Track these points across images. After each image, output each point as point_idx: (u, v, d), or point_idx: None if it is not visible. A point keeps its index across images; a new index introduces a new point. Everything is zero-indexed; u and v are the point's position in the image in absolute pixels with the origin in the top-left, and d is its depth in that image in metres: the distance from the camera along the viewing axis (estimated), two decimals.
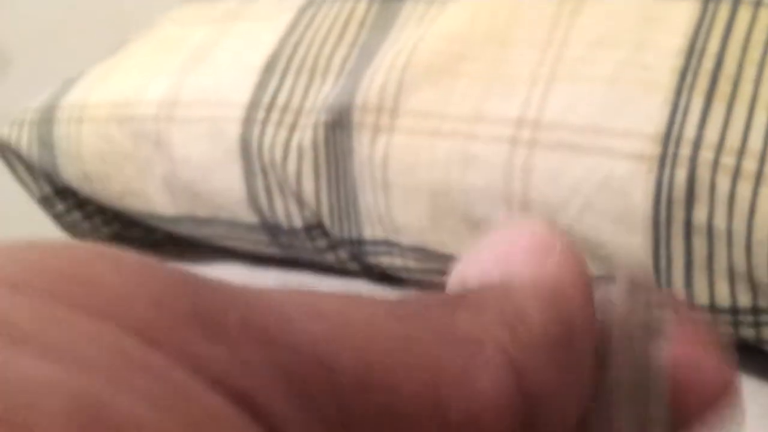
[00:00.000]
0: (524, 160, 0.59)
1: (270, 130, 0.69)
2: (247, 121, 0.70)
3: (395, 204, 0.64)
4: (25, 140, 0.83)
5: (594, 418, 0.15)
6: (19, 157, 0.85)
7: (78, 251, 0.10)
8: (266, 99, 0.70)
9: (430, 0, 0.70)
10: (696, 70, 0.56)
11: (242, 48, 0.75)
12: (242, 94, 0.71)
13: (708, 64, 0.56)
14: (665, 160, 0.54)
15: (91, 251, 0.10)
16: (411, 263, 0.67)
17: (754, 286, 0.53)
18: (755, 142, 0.53)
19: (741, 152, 0.53)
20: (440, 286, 0.14)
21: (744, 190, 0.52)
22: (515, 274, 0.14)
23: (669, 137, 0.55)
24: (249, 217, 0.72)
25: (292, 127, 0.68)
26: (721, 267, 0.54)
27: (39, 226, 0.84)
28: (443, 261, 0.64)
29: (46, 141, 0.81)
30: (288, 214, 0.70)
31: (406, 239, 0.65)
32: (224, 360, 0.10)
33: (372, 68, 0.67)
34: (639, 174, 0.55)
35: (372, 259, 0.69)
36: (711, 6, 0.58)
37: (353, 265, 0.71)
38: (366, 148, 0.65)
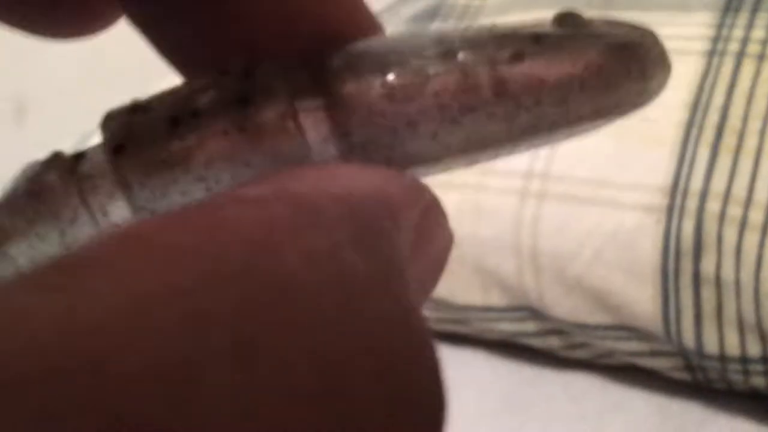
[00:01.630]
0: (534, 211, 0.60)
1: None
2: None
3: None
4: None
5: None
6: None
7: None
8: None
9: None
10: (701, 123, 0.57)
11: None
12: None
13: (713, 117, 0.57)
14: (673, 211, 0.55)
15: None
16: (423, 313, 0.67)
17: (763, 336, 0.54)
18: (761, 194, 0.53)
19: (747, 204, 0.54)
20: None
21: (751, 241, 0.53)
22: None
23: (676, 189, 0.55)
24: None
25: None
26: (731, 317, 0.54)
27: None
28: (455, 311, 0.65)
29: None
30: None
31: None
32: None
33: None
34: (647, 225, 0.56)
35: None
36: (715, 60, 0.59)
37: None
38: None
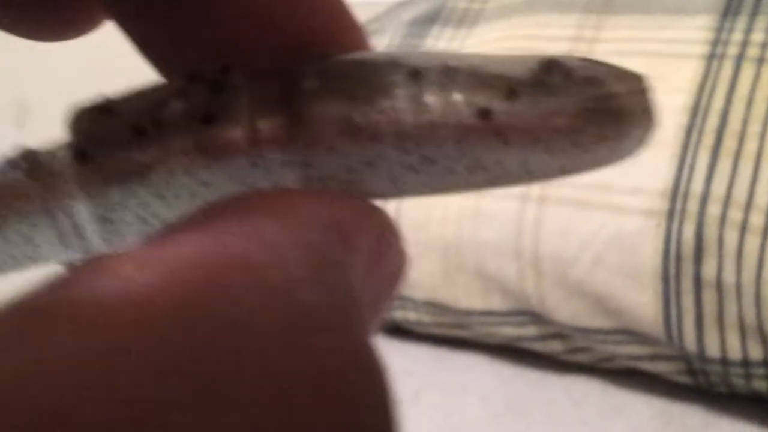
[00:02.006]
0: (534, 215, 0.60)
1: None
2: None
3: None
4: None
5: None
6: None
7: None
8: None
9: None
10: (701, 127, 0.57)
11: None
12: None
13: (713, 120, 0.57)
14: (673, 215, 0.55)
15: None
16: (425, 317, 0.67)
17: (764, 339, 0.54)
18: (761, 197, 0.53)
19: (748, 207, 0.54)
20: None
21: (751, 244, 0.53)
22: None
23: (677, 193, 0.55)
24: None
25: None
26: (732, 321, 0.54)
27: None
28: (457, 315, 0.65)
29: None
30: None
31: (419, 294, 0.66)
32: None
33: None
34: (648, 229, 0.56)
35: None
36: (715, 64, 0.59)
37: None
38: None
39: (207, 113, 0.14)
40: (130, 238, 0.15)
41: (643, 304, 0.56)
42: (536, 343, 0.64)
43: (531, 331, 0.63)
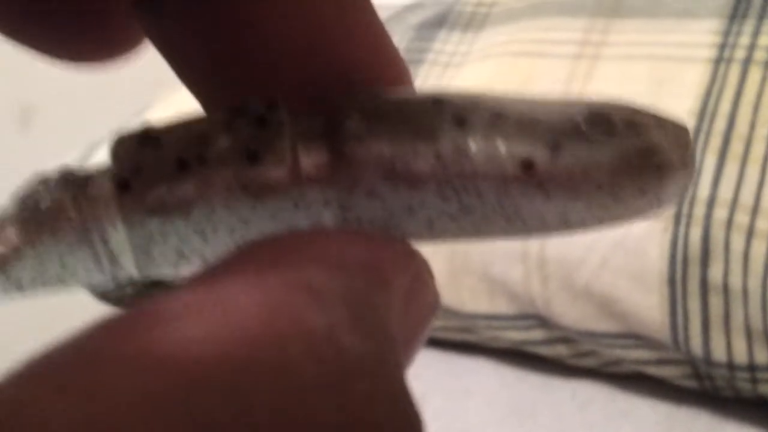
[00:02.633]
0: None
1: None
2: None
3: None
4: None
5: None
6: None
7: None
8: None
9: (446, 63, 0.71)
10: (708, 130, 0.57)
11: None
12: None
13: (720, 124, 0.57)
14: (680, 218, 0.55)
15: None
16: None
17: None
18: None
19: (755, 211, 0.54)
20: None
21: (758, 248, 0.53)
22: None
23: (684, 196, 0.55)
24: None
25: None
26: (738, 325, 0.54)
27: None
28: (463, 319, 0.65)
29: None
30: None
31: None
32: None
33: None
34: (655, 233, 0.56)
35: None
36: (722, 67, 0.59)
37: None
38: None
39: (251, 150, 0.14)
40: (165, 269, 0.15)
41: (649, 307, 0.56)
42: (542, 347, 0.64)
43: (537, 335, 0.63)
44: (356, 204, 0.15)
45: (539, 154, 0.14)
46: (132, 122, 0.85)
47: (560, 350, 0.64)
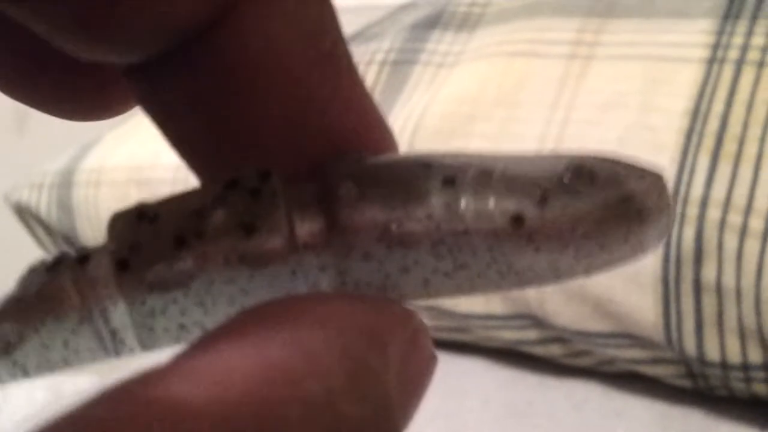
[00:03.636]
0: None
1: None
2: None
3: None
4: (44, 203, 0.84)
5: None
6: (39, 219, 0.86)
7: None
8: None
9: (439, 63, 0.71)
10: (701, 130, 0.57)
11: None
12: None
13: (713, 124, 0.57)
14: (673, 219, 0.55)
15: None
16: (425, 321, 0.67)
17: (764, 343, 0.54)
18: (761, 201, 0.54)
19: (747, 211, 0.54)
20: None
21: (751, 248, 0.53)
22: None
23: (677, 196, 0.56)
24: None
25: None
26: (731, 324, 0.54)
27: None
28: (457, 319, 0.65)
29: (65, 204, 0.83)
30: None
31: None
32: None
33: None
34: None
35: None
36: (715, 67, 0.59)
37: None
38: None
39: (247, 223, 0.15)
40: (168, 342, 0.16)
41: (643, 307, 0.56)
42: (536, 347, 0.64)
43: (531, 334, 0.63)
44: (353, 267, 0.15)
45: (528, 209, 0.14)
46: (120, 126, 0.85)
47: (555, 350, 0.64)
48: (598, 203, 0.15)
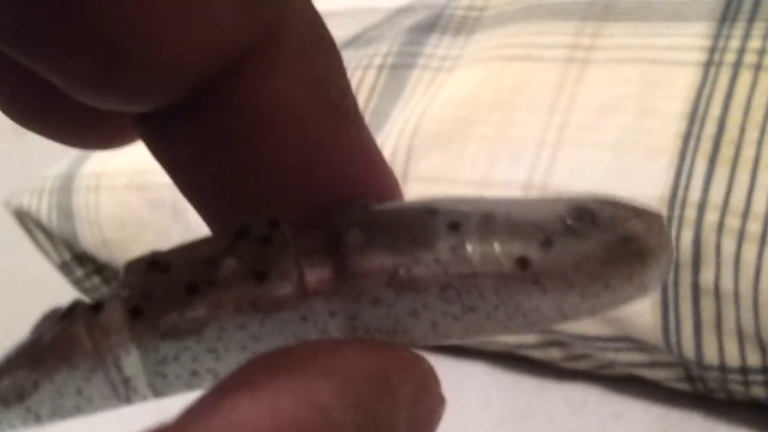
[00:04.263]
0: None
1: None
2: None
3: None
4: (44, 208, 0.84)
5: None
6: (39, 225, 0.86)
7: None
8: None
9: (437, 67, 0.71)
10: (699, 134, 0.57)
11: None
12: None
13: (710, 128, 0.57)
14: (671, 222, 0.55)
15: None
16: None
17: (762, 346, 0.54)
18: (759, 205, 0.54)
19: (745, 214, 0.54)
20: None
21: (749, 252, 0.53)
22: None
23: (674, 200, 0.56)
24: None
25: None
26: (730, 328, 0.54)
27: (58, 290, 0.85)
28: None
29: (65, 209, 0.83)
30: None
31: None
32: None
33: (382, 135, 0.68)
34: None
35: None
36: (712, 71, 0.59)
37: None
38: None
39: (258, 270, 0.15)
40: (180, 389, 0.16)
41: (641, 311, 0.56)
42: (536, 351, 0.64)
43: (530, 338, 0.64)
44: (362, 312, 0.15)
45: (532, 251, 0.15)
46: None
47: (554, 353, 0.64)
48: (601, 243, 0.15)
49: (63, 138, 0.17)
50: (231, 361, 0.15)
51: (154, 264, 0.15)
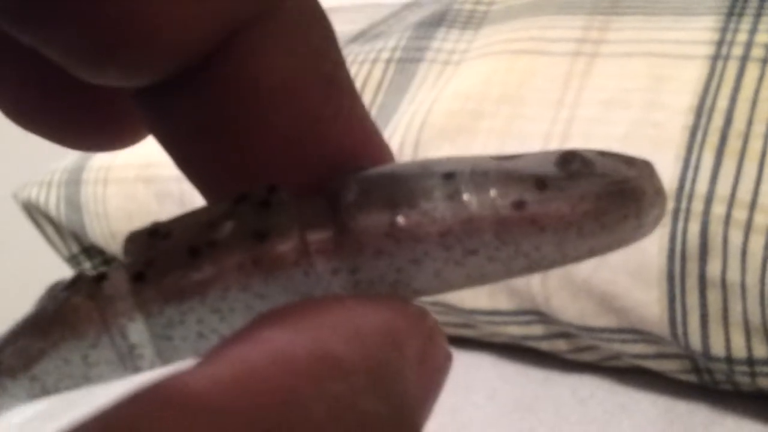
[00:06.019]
0: None
1: None
2: None
3: None
4: (53, 201, 0.85)
5: None
6: (48, 217, 0.87)
7: None
8: None
9: (445, 61, 0.72)
10: (706, 127, 0.57)
11: None
12: None
13: (718, 121, 0.57)
14: (678, 214, 0.56)
15: None
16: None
17: None
18: (766, 197, 0.54)
19: (752, 207, 0.54)
20: None
21: (756, 244, 0.53)
22: None
23: (681, 193, 0.56)
24: None
25: None
26: (736, 319, 0.54)
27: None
28: (463, 315, 0.66)
29: (73, 201, 0.83)
30: None
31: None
32: None
33: (389, 129, 0.68)
34: None
35: None
36: (719, 64, 0.59)
37: None
38: None
39: (259, 231, 0.15)
40: (186, 353, 0.16)
41: (648, 303, 0.57)
42: (542, 342, 0.65)
43: (537, 330, 0.64)
44: (365, 265, 0.15)
45: (528, 194, 0.15)
46: None
47: (560, 345, 0.64)
48: (595, 184, 0.15)
49: (65, 140, 0.17)
50: (236, 322, 0.15)
51: (156, 233, 0.16)
